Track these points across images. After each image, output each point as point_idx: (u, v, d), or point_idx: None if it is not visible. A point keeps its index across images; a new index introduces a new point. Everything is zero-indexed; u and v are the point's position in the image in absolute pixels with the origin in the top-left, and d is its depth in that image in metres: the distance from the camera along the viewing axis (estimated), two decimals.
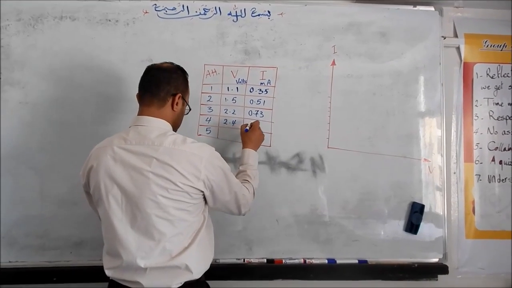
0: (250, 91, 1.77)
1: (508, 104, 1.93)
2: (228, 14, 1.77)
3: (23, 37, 1.69)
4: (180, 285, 1.20)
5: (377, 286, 1.81)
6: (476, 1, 1.94)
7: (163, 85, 1.26)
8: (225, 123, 1.76)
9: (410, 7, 1.87)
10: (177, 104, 1.27)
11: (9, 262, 1.67)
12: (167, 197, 1.15)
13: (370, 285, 1.80)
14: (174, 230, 1.17)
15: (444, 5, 1.92)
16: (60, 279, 1.68)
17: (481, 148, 1.92)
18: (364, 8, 1.85)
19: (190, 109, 1.39)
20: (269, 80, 1.77)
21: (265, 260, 1.77)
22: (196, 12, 1.76)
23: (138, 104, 1.30)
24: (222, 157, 1.28)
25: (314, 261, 1.78)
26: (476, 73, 1.94)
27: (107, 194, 1.17)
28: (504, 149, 1.92)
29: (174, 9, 1.75)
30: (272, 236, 1.76)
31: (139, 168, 1.15)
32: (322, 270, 1.77)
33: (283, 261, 1.77)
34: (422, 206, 1.80)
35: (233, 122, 1.76)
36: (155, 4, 1.74)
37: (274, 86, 1.78)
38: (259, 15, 1.78)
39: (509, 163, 1.92)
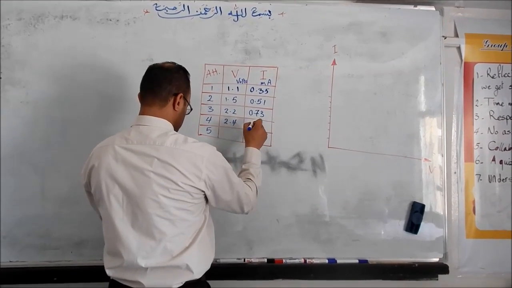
0: (251, 91, 1.77)
1: (509, 104, 1.93)
2: (229, 14, 1.77)
3: (24, 37, 1.69)
4: (181, 285, 1.20)
5: (377, 285, 1.81)
6: (477, 1, 1.94)
7: (164, 85, 1.26)
8: (225, 122, 1.76)
9: (411, 7, 1.87)
10: (178, 104, 1.27)
11: (10, 262, 1.67)
12: (168, 197, 1.15)
13: (370, 285, 1.80)
14: (175, 230, 1.17)
15: (445, 5, 1.92)
16: (60, 279, 1.68)
17: (481, 148, 1.92)
18: (365, 7, 1.85)
19: (191, 109, 1.39)
20: (269, 79, 1.78)
21: (265, 260, 1.77)
22: (196, 11, 1.76)
23: (139, 104, 1.30)
24: (223, 156, 1.27)
25: (315, 261, 1.78)
26: (477, 73, 1.94)
27: (108, 194, 1.17)
28: (505, 149, 1.92)
29: (174, 8, 1.75)
30: (273, 235, 1.76)
31: (141, 167, 1.15)
32: (323, 269, 1.78)
33: (284, 260, 1.77)
34: (423, 206, 1.80)
35: (234, 122, 1.76)
36: (156, 4, 1.74)
37: (275, 86, 1.78)
38: (259, 14, 1.78)
39: (510, 162, 1.92)
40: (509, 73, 1.94)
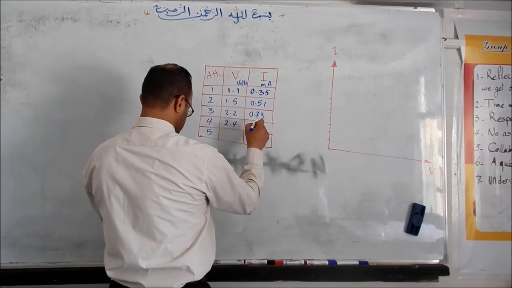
0: (251, 92, 1.77)
1: (509, 105, 1.93)
2: (229, 16, 1.77)
3: (24, 38, 1.70)
4: (181, 286, 1.20)
5: (377, 287, 1.81)
6: (477, 3, 1.94)
7: (166, 87, 1.26)
8: (226, 124, 1.76)
9: (411, 9, 1.87)
10: (180, 105, 1.28)
11: (10, 263, 1.67)
12: (169, 198, 1.15)
13: (370, 286, 1.80)
14: (176, 231, 1.18)
15: (445, 7, 1.92)
16: (61, 280, 1.67)
17: (481, 149, 1.92)
18: (365, 9, 1.85)
19: (193, 111, 1.39)
20: (270, 81, 1.78)
21: (265, 261, 1.77)
22: (197, 13, 1.76)
23: (139, 105, 1.30)
24: (224, 158, 1.28)
25: (315, 262, 1.78)
26: (477, 74, 1.94)
27: (109, 195, 1.18)
28: (505, 150, 1.92)
29: (175, 10, 1.76)
30: (273, 237, 1.76)
31: (142, 169, 1.16)
32: (323, 271, 1.77)
33: (284, 262, 1.77)
34: (423, 208, 1.80)
35: (234, 123, 1.76)
36: (156, 6, 1.75)
37: (275, 88, 1.78)
38: (260, 16, 1.78)
39: (510, 164, 1.92)
40: (509, 75, 1.94)
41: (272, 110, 1.77)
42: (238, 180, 1.29)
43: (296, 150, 1.78)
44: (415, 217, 1.79)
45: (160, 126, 1.23)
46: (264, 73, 1.78)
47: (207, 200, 1.25)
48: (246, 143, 1.62)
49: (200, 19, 1.76)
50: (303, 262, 1.78)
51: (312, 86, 1.79)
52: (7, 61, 1.69)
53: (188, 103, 1.33)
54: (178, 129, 1.31)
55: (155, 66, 1.33)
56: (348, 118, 1.80)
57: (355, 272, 1.78)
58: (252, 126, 1.60)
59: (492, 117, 1.93)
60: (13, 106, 1.68)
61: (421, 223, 1.80)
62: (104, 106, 1.71)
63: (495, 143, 1.92)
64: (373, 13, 1.84)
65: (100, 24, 1.73)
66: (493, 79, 1.93)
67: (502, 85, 1.93)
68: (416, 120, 1.84)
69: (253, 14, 1.78)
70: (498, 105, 1.93)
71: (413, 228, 1.80)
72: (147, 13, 1.74)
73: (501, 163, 1.92)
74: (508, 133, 1.92)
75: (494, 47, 1.94)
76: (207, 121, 1.75)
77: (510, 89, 1.94)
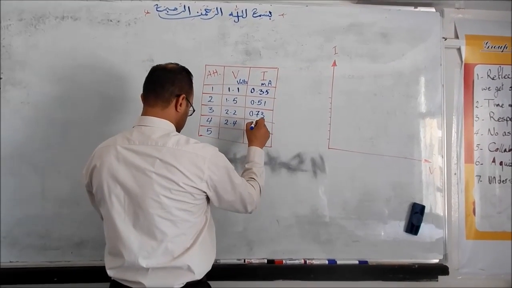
0: (251, 92, 1.77)
1: (509, 105, 1.93)
2: (230, 15, 1.77)
3: (24, 37, 1.70)
4: (182, 285, 1.20)
5: (377, 286, 1.81)
6: (477, 3, 1.94)
7: (167, 86, 1.26)
8: (226, 123, 1.76)
9: (411, 8, 1.87)
10: (181, 105, 1.27)
11: (10, 262, 1.67)
12: (170, 198, 1.15)
13: (370, 286, 1.80)
14: (177, 230, 1.18)
15: (445, 6, 1.92)
16: (61, 279, 1.67)
17: (481, 149, 1.93)
18: (365, 9, 1.85)
19: (194, 110, 1.39)
20: (270, 80, 1.78)
21: (265, 261, 1.77)
22: (197, 12, 1.76)
23: (139, 104, 1.30)
24: (225, 157, 1.27)
25: (315, 262, 1.78)
26: (477, 74, 1.94)
27: (110, 194, 1.18)
28: (505, 150, 1.93)
29: (175, 9, 1.76)
30: (273, 236, 1.76)
31: (142, 168, 1.16)
32: (323, 270, 1.78)
33: (284, 261, 1.77)
34: (423, 207, 1.80)
35: (234, 123, 1.76)
36: (157, 5, 1.75)
37: (275, 87, 1.78)
38: (260, 15, 1.78)
39: (510, 164, 1.92)
40: (509, 75, 1.94)
41: (272, 110, 1.77)
42: (239, 179, 1.29)
43: (296, 150, 1.78)
44: (415, 217, 1.80)
45: (161, 125, 1.23)
46: (264, 72, 1.77)
47: (208, 199, 1.25)
48: (246, 142, 1.62)
49: (201, 18, 1.76)
50: (303, 261, 1.78)
51: (312, 85, 1.79)
52: (7, 60, 1.69)
53: (189, 102, 1.33)
54: (179, 128, 1.31)
55: (157, 65, 1.33)
56: (348, 117, 1.80)
57: (355, 271, 1.78)
58: (252, 125, 1.61)
59: (492, 117, 1.93)
60: (13, 105, 1.68)
61: (421, 222, 1.80)
62: (104, 106, 1.71)
63: (495, 143, 1.93)
64: (373, 12, 1.84)
65: (100, 23, 1.72)
66: (493, 79, 1.94)
67: (502, 85, 1.94)
68: (416, 119, 1.84)
69: (254, 14, 1.78)
70: (498, 105, 1.93)
71: (412, 227, 1.80)
72: (148, 12, 1.74)
73: (501, 163, 1.92)
74: (508, 133, 1.93)
75: (494, 47, 1.94)
76: (207, 120, 1.75)
77: (510, 89, 1.94)
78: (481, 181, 1.92)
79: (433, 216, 1.82)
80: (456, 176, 1.92)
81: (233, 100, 1.76)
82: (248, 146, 1.55)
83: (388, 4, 1.86)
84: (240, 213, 1.38)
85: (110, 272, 1.22)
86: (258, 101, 1.77)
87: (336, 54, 1.81)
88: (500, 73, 1.94)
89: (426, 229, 1.81)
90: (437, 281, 1.82)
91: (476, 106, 1.93)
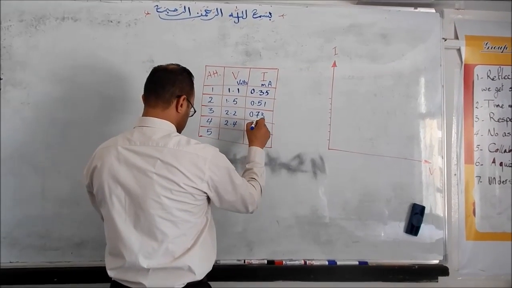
0: (251, 92, 1.77)
1: (509, 106, 1.93)
2: (230, 16, 1.77)
3: (25, 38, 1.70)
4: (182, 286, 1.20)
5: (377, 287, 1.81)
6: (477, 3, 1.94)
7: (168, 87, 1.26)
8: (226, 124, 1.76)
9: (411, 9, 1.87)
10: (181, 106, 1.28)
11: (10, 262, 1.67)
12: (170, 198, 1.15)
13: (370, 286, 1.80)
14: (177, 231, 1.18)
15: (445, 7, 1.92)
16: (61, 279, 1.67)
17: (481, 149, 1.93)
18: (365, 9, 1.85)
19: (195, 111, 1.39)
20: (270, 81, 1.78)
21: (265, 261, 1.77)
22: (197, 13, 1.76)
23: (139, 105, 1.30)
24: (226, 157, 1.28)
25: (315, 262, 1.78)
26: (477, 75, 1.94)
27: (111, 195, 1.18)
28: (505, 151, 1.93)
29: (175, 10, 1.76)
30: (273, 237, 1.76)
31: (143, 169, 1.16)
32: (323, 271, 1.78)
33: (284, 262, 1.77)
34: (423, 208, 1.80)
35: (234, 123, 1.76)
36: (157, 5, 1.75)
37: (275, 88, 1.78)
38: (260, 16, 1.79)
39: (510, 164, 1.92)
40: (509, 75, 1.94)
41: (272, 110, 1.77)
42: (240, 179, 1.29)
43: (296, 150, 1.78)
44: (415, 218, 1.80)
45: (162, 126, 1.23)
46: (264, 73, 1.78)
47: (209, 200, 1.25)
48: (246, 143, 1.62)
49: (201, 19, 1.76)
50: (303, 262, 1.78)
51: (312, 86, 1.79)
52: (8, 60, 1.69)
53: (190, 103, 1.33)
54: (179, 129, 1.31)
55: (158, 66, 1.33)
56: (348, 118, 1.80)
57: (354, 272, 1.78)
58: (253, 125, 1.61)
59: (492, 117, 1.93)
60: (13, 106, 1.68)
61: (421, 223, 1.80)
62: (104, 106, 1.71)
63: (495, 144, 1.93)
64: (373, 13, 1.84)
65: (101, 24, 1.73)
66: (493, 79, 1.94)
67: (502, 85, 1.94)
68: (416, 120, 1.84)
69: (254, 14, 1.78)
70: (498, 105, 1.93)
71: (413, 228, 1.80)
72: (148, 13, 1.74)
73: (501, 164, 1.92)
74: (508, 133, 1.93)
75: (494, 48, 1.94)
76: (207, 121, 1.75)
77: (510, 89, 1.94)
78: (481, 181, 1.92)
79: (433, 216, 1.82)
80: (456, 176, 1.92)
81: (233, 101, 1.76)
82: (249, 146, 1.55)
83: (388, 5, 1.86)
84: (241, 213, 1.38)
85: (110, 273, 1.22)
86: (258, 102, 1.77)
87: (336, 54, 1.81)
88: (500, 74, 1.94)
89: (426, 229, 1.81)
90: (437, 282, 1.82)
91: (476, 107, 1.93)
